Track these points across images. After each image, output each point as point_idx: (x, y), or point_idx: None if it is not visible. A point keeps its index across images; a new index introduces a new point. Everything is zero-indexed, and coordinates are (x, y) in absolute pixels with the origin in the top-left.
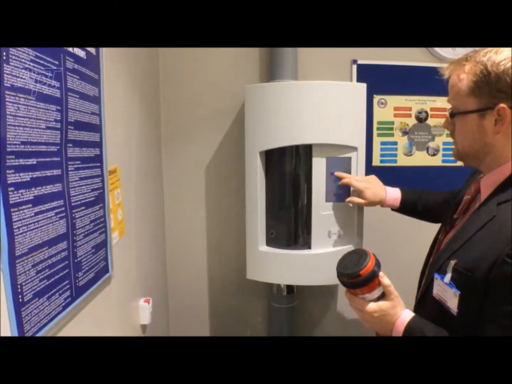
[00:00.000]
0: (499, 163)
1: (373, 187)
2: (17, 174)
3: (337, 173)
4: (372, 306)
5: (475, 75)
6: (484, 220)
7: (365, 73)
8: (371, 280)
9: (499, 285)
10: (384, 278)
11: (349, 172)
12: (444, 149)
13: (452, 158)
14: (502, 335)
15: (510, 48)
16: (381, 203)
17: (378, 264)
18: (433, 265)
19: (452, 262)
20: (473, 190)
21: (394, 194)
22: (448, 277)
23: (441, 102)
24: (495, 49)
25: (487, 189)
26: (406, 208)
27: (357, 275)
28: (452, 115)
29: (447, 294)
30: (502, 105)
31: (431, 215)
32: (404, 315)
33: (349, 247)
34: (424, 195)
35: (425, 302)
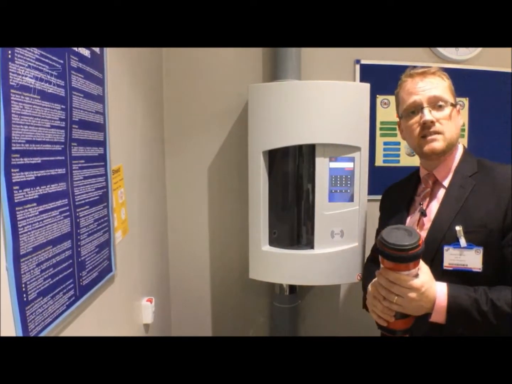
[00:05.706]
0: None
1: None
2: (22, 173)
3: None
4: (418, 281)
5: (447, 78)
6: (467, 189)
7: (369, 73)
8: (421, 254)
9: None
10: None
11: (352, 173)
12: None
13: None
14: None
15: None
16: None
17: None
18: (428, 243)
19: (459, 228)
20: (430, 182)
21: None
22: (463, 241)
23: None
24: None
25: (443, 175)
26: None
27: (417, 245)
28: (442, 105)
29: (466, 257)
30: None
31: None
32: (441, 286)
33: (352, 247)
34: None
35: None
